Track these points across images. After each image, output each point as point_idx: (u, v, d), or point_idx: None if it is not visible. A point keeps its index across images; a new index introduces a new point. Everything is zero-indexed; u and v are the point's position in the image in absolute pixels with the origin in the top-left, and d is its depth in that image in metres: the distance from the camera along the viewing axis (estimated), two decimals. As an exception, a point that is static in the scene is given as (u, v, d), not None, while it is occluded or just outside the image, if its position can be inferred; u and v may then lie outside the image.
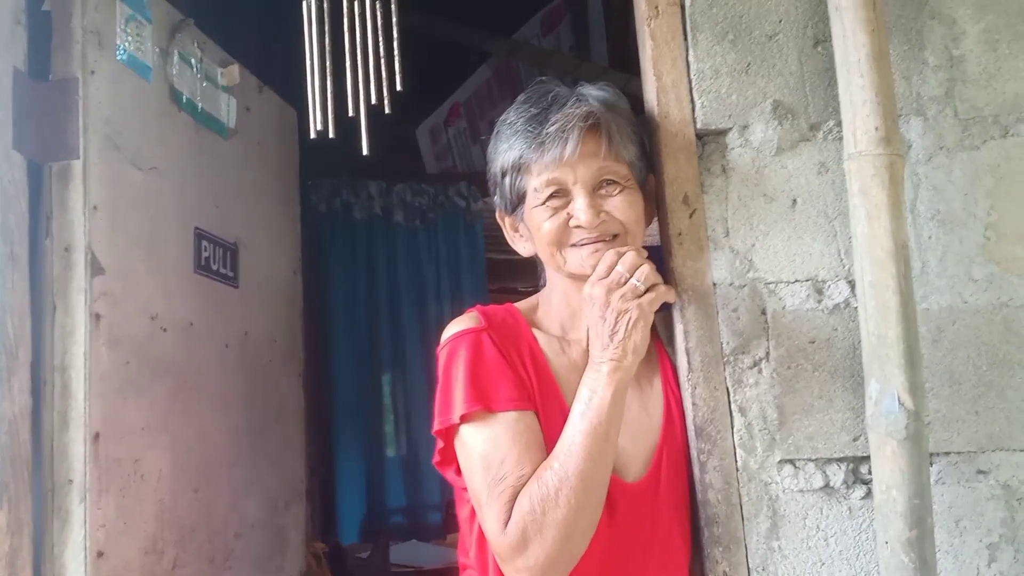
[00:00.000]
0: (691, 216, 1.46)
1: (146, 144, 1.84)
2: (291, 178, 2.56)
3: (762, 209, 1.45)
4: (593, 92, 1.43)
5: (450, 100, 4.44)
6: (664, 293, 1.35)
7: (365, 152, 1.62)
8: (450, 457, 1.41)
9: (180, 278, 1.93)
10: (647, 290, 1.32)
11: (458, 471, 1.40)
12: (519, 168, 1.42)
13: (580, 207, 1.38)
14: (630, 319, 1.30)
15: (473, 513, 1.40)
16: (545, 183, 1.39)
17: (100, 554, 1.57)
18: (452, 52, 4.26)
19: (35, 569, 1.52)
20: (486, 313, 1.45)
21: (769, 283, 1.43)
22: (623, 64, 3.64)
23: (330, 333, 3.69)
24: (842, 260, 1.43)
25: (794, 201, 1.45)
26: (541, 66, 4.14)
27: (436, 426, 1.37)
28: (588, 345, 1.36)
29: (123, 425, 1.68)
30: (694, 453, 1.41)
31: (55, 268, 1.62)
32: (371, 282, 3.82)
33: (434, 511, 3.70)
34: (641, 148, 1.46)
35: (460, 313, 1.48)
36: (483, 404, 1.32)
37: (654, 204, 1.50)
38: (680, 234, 1.45)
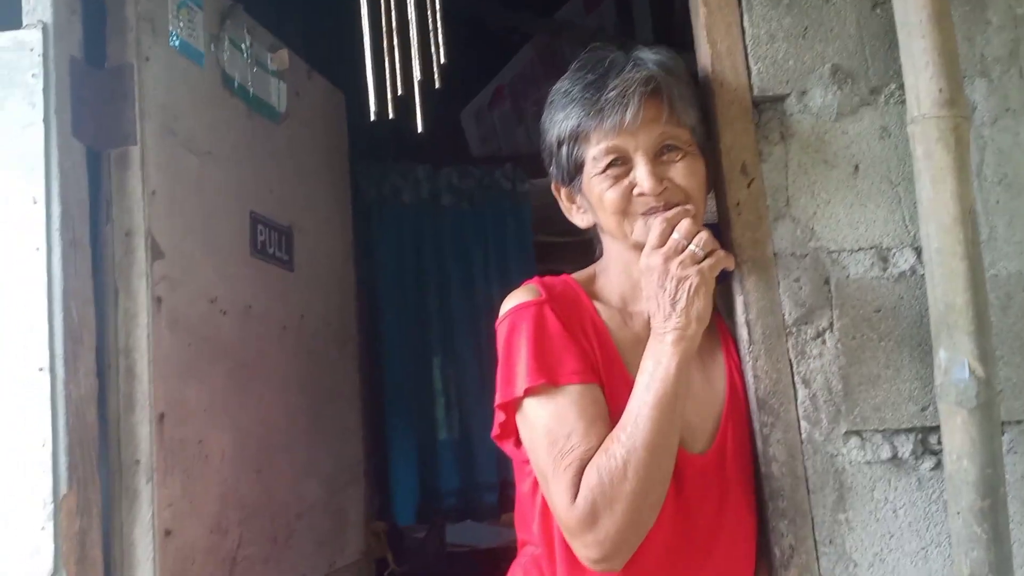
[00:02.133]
0: (749, 185, 1.43)
1: (200, 129, 1.86)
2: (341, 162, 2.57)
3: (823, 176, 1.42)
4: (651, 56, 1.40)
5: (494, 83, 4.42)
6: (724, 258, 1.31)
7: (420, 130, 1.61)
8: (509, 430, 1.39)
9: (237, 262, 1.95)
10: (706, 256, 1.29)
11: (517, 443, 1.39)
12: (576, 137, 1.39)
13: (642, 175, 1.34)
14: (691, 285, 1.27)
15: (535, 487, 1.39)
16: (605, 151, 1.36)
17: (168, 533, 1.60)
18: (495, 34, 4.24)
19: (104, 548, 1.55)
20: (545, 284, 1.42)
21: (832, 252, 1.40)
22: (668, 41, 3.60)
23: (380, 317, 3.70)
24: (907, 226, 1.40)
25: (856, 167, 1.42)
26: (584, 45, 4.10)
27: (498, 400, 1.35)
28: (650, 317, 1.34)
29: (186, 406, 1.71)
30: (756, 426, 1.39)
31: (116, 253, 1.64)
32: (420, 266, 3.82)
33: (488, 491, 3.69)
34: (701, 113, 1.42)
35: (508, 294, 1.46)
36: (547, 377, 1.30)
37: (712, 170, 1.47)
38: (739, 204, 1.43)
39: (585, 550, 1.23)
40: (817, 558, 1.33)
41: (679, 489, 1.32)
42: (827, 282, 1.39)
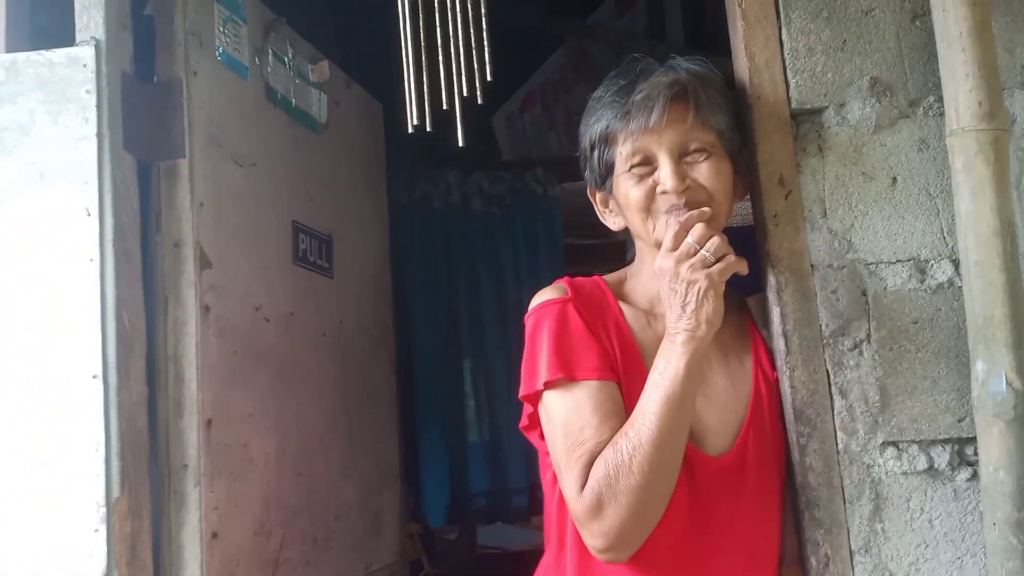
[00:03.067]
0: (787, 197, 1.45)
1: (245, 141, 1.90)
2: (378, 170, 2.62)
3: (860, 188, 1.44)
4: (683, 63, 1.44)
5: (525, 87, 4.45)
6: (734, 263, 1.32)
7: (461, 143, 1.65)
8: (536, 421, 1.45)
9: (280, 270, 1.99)
10: (717, 260, 1.30)
11: (541, 435, 1.44)
12: (607, 139, 1.44)
13: (665, 173, 1.38)
14: (700, 289, 1.29)
15: (554, 478, 1.43)
16: (631, 151, 1.41)
17: (215, 535, 1.65)
18: (525, 38, 4.26)
19: (155, 550, 1.60)
20: (573, 284, 1.48)
21: (869, 264, 1.42)
22: (700, 45, 3.61)
23: (411, 321, 3.74)
24: (945, 239, 1.41)
25: (894, 179, 1.43)
26: (615, 48, 4.12)
27: (521, 392, 1.42)
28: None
29: (232, 412, 1.75)
30: (793, 436, 1.41)
31: (166, 263, 1.69)
32: (451, 270, 3.85)
33: (518, 494, 3.71)
34: (733, 119, 1.45)
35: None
36: (566, 372, 1.35)
37: (746, 179, 1.49)
38: (776, 215, 1.45)
39: (591, 539, 1.28)
40: (852, 567, 1.34)
41: (693, 489, 1.35)
42: (864, 293, 1.41)
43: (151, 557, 1.58)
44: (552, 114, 4.45)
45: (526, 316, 1.48)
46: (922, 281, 1.40)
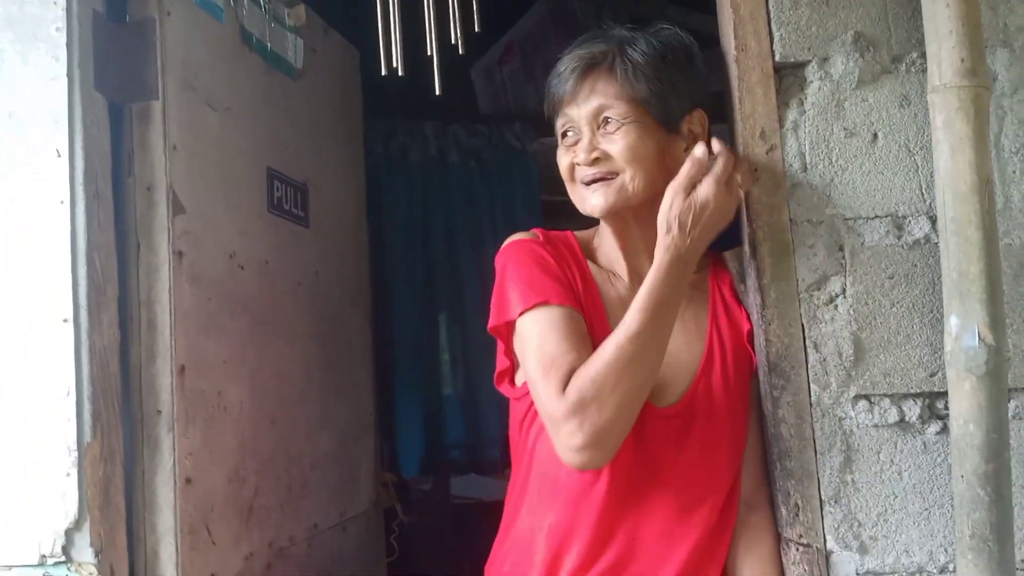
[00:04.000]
0: (768, 152, 1.45)
1: (220, 85, 1.86)
2: (355, 119, 2.58)
3: (841, 144, 1.44)
4: (617, 32, 1.46)
5: (504, 39, 4.39)
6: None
7: (438, 92, 1.63)
8: (507, 372, 1.50)
9: (255, 217, 1.97)
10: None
11: (512, 382, 1.50)
12: (551, 109, 1.50)
13: (580, 145, 1.43)
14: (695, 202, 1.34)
15: (522, 427, 1.49)
16: (561, 122, 1.47)
17: (188, 481, 1.64)
18: (506, -13, 4.19)
19: (127, 495, 1.59)
20: (545, 233, 1.53)
21: (848, 219, 1.42)
22: (684, 2, 3.57)
23: (388, 274, 3.73)
24: (923, 195, 1.42)
25: (875, 135, 1.44)
26: (597, 4, 4.07)
27: (492, 321, 1.46)
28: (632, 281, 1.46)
29: (206, 359, 1.74)
30: (766, 388, 1.43)
31: (138, 207, 1.66)
32: (427, 223, 3.84)
33: (492, 446, 3.73)
34: (672, 85, 1.44)
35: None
36: (542, 297, 1.38)
37: (693, 141, 1.46)
38: (756, 170, 1.45)
39: (569, 438, 1.29)
40: (822, 517, 1.37)
41: (639, 439, 1.38)
42: (841, 248, 1.42)
43: (124, 502, 1.57)
44: (532, 68, 4.39)
45: (497, 255, 1.51)
46: (899, 237, 1.41)
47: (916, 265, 1.40)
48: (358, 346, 2.44)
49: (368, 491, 2.41)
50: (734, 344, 1.49)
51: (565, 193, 1.53)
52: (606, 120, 1.41)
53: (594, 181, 1.42)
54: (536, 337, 1.37)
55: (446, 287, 3.80)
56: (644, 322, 1.32)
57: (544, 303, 1.39)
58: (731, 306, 1.52)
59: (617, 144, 1.40)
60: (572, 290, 1.43)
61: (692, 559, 1.41)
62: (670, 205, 1.34)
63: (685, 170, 1.35)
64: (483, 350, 3.66)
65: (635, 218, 1.47)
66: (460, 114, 3.96)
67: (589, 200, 1.43)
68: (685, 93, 1.46)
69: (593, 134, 1.42)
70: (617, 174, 1.41)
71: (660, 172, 1.42)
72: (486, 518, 3.24)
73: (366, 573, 2.33)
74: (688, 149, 1.42)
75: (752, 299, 1.47)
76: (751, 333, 1.48)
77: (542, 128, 3.85)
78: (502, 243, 1.50)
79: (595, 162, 1.41)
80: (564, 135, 1.47)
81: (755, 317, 1.46)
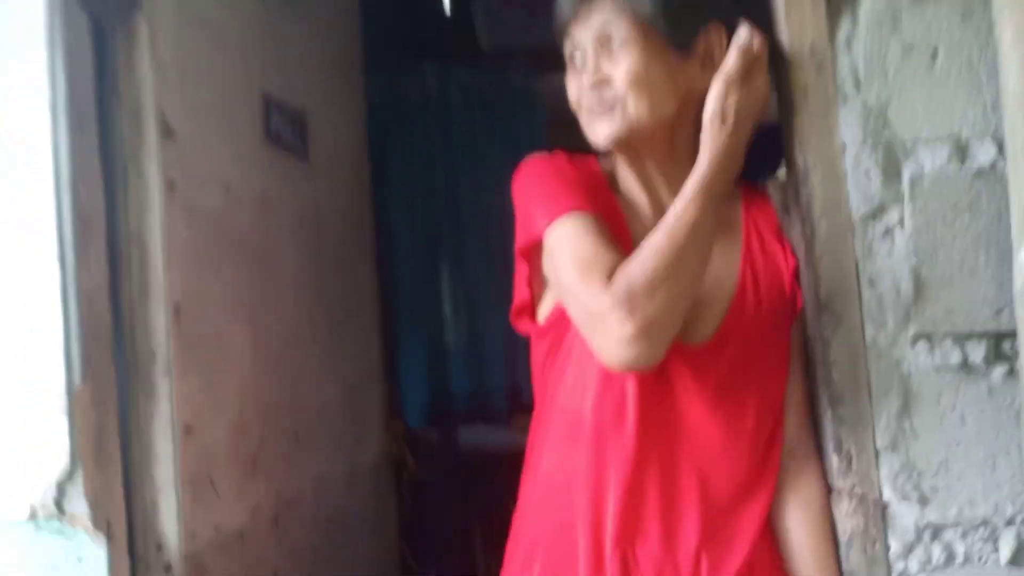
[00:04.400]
0: (818, 69, 1.32)
1: (210, 4, 1.71)
2: (354, 49, 2.43)
3: (898, 60, 1.31)
4: None
5: (505, -34, 4.20)
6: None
7: (448, 14, 1.49)
8: (527, 302, 1.40)
9: (251, 147, 1.83)
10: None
11: (533, 316, 1.39)
12: (558, 33, 1.36)
13: (584, 69, 1.31)
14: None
15: (544, 365, 1.39)
16: (569, 45, 1.34)
17: (188, 429, 1.53)
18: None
19: (123, 444, 1.47)
20: (567, 153, 1.40)
21: (906, 142, 1.29)
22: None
23: (389, 218, 3.61)
24: (989, 117, 1.29)
25: (935, 51, 1.30)
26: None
27: (520, 243, 1.34)
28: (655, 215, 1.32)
29: (204, 298, 1.61)
30: (815, 329, 1.32)
31: (125, 131, 1.52)
32: (428, 166, 3.71)
33: (498, 394, 3.68)
34: (682, 3, 1.30)
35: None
36: (571, 206, 1.27)
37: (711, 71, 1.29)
38: (805, 89, 1.32)
39: (619, 327, 1.16)
40: (877, 466, 1.26)
41: (664, 378, 1.28)
42: (899, 175, 1.29)
43: (119, 451, 1.46)
44: (534, 2, 4.22)
45: (516, 175, 1.39)
46: (963, 162, 1.29)
47: (981, 193, 1.28)
48: (363, 289, 2.32)
49: (377, 441, 2.31)
50: (770, 281, 1.37)
51: (571, 135, 1.41)
52: (609, 40, 1.28)
53: (600, 109, 1.30)
54: (569, 243, 1.26)
55: (449, 232, 3.68)
56: (696, 212, 1.20)
57: (575, 211, 1.27)
58: (768, 240, 1.41)
59: (620, 67, 1.27)
60: (596, 202, 1.32)
61: (731, 506, 1.31)
62: (724, 95, 1.21)
63: (735, 59, 1.22)
64: (488, 296, 3.60)
65: (650, 151, 1.34)
66: (462, 53, 3.81)
67: (594, 130, 1.32)
68: (698, 6, 1.32)
69: (597, 57, 1.29)
70: (621, 100, 1.28)
71: (671, 98, 1.29)
72: (496, 468, 3.20)
73: (376, 525, 2.24)
74: (705, 69, 1.29)
75: (799, 232, 1.35)
76: (796, 270, 1.36)
77: (550, 63, 3.70)
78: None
79: (598, 85, 1.29)
80: (571, 59, 1.34)
81: (802, 252, 1.34)
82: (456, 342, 3.72)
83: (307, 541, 1.89)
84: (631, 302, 1.16)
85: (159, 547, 1.48)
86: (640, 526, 1.31)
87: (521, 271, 1.41)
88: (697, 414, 1.31)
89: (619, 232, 1.32)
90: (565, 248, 1.26)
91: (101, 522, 1.38)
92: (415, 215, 3.66)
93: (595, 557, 1.31)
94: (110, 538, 1.37)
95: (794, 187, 1.35)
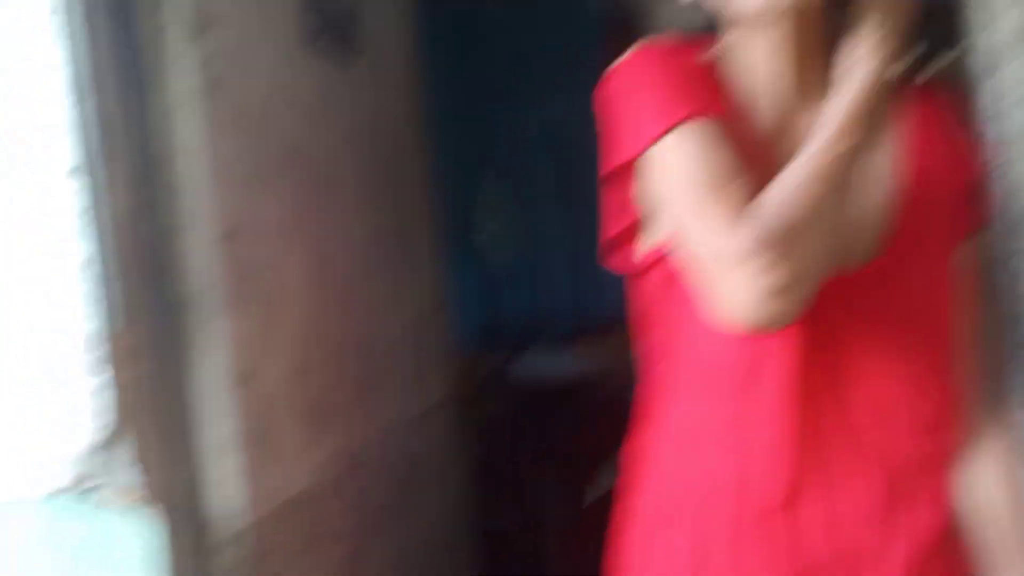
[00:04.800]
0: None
1: None
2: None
3: None
4: None
5: None
6: None
7: None
8: (626, 230, 1.12)
9: (297, 44, 1.54)
10: None
11: (630, 250, 1.12)
12: None
13: None
14: None
15: (658, 305, 1.14)
16: None
17: (246, 377, 1.29)
18: None
19: (174, 395, 1.24)
20: (667, 45, 1.09)
21: None
22: None
23: (436, 125, 3.36)
24: None
25: None
26: None
27: (616, 159, 1.05)
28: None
29: (258, 222, 1.36)
30: (1002, 254, 1.05)
31: (158, 19, 1.24)
32: (480, 71, 3.43)
33: (559, 316, 3.47)
34: None
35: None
36: (686, 111, 0.98)
37: None
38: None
39: (755, 279, 0.91)
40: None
41: (813, 313, 0.98)
42: None
43: (170, 407, 1.23)
44: None
45: (607, 79, 1.08)
46: None
47: None
48: (423, 206, 2.05)
49: (445, 378, 2.07)
50: (936, 192, 1.09)
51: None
52: None
53: None
54: (687, 160, 0.98)
55: (503, 141, 3.44)
56: (851, 142, 0.96)
57: (692, 117, 0.98)
58: (934, 142, 1.12)
59: None
60: (713, 105, 1.03)
61: (906, 464, 1.07)
62: None
63: None
64: (547, 212, 3.36)
65: (813, 29, 1.04)
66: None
67: None
68: None
69: None
70: None
71: None
72: (565, 399, 3.01)
73: (449, 472, 2.02)
74: None
75: (982, 135, 1.06)
76: (972, 179, 1.08)
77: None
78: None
79: None
80: None
81: (983, 160, 1.06)
82: (512, 261, 3.50)
83: (376, 498, 1.67)
84: (773, 248, 0.90)
85: (222, 519, 1.26)
86: (799, 489, 1.06)
87: (615, 197, 1.13)
88: (856, 356, 1.06)
89: (740, 148, 1.03)
90: (680, 166, 0.99)
91: (155, 489, 1.16)
92: (465, 122, 3.38)
93: (747, 524, 1.07)
94: (166, 512, 1.15)
95: (975, 74, 1.06)
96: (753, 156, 1.02)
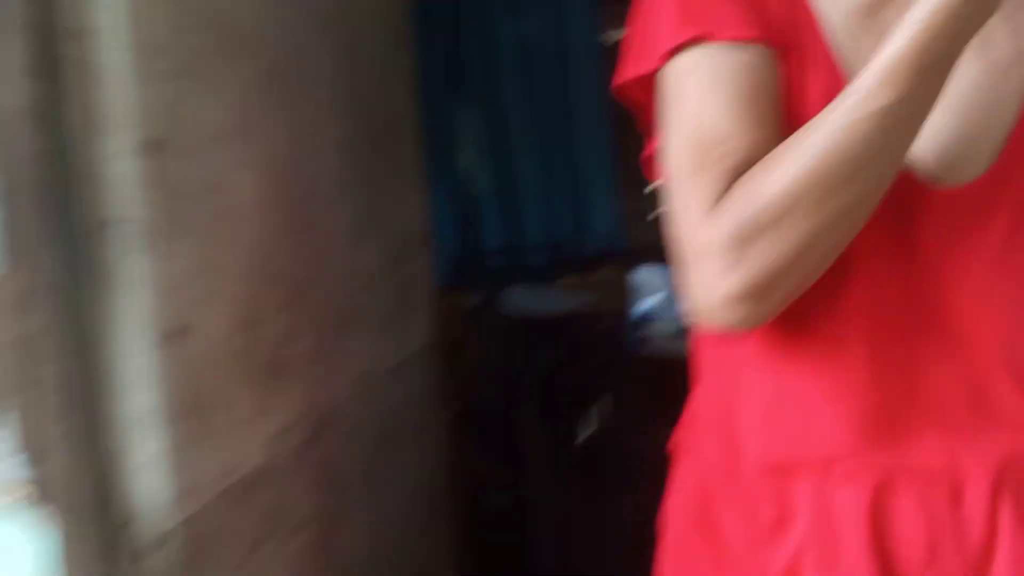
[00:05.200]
0: None
1: None
2: None
3: None
4: None
5: None
6: None
7: None
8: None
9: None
10: None
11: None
12: None
13: None
14: None
15: None
16: None
17: (178, 332, 1.00)
18: None
19: (75, 355, 0.94)
20: None
21: None
22: None
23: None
24: None
25: None
26: None
27: (626, 73, 0.90)
28: None
29: (194, 130, 1.04)
30: None
31: None
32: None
33: (537, 252, 3.23)
34: None
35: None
36: (700, 28, 0.82)
37: None
38: None
39: (721, 279, 0.78)
40: None
41: (910, 237, 0.84)
42: None
43: (69, 372, 0.93)
44: None
45: None
46: None
47: None
48: (405, 118, 1.74)
49: (427, 320, 1.78)
50: None
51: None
52: None
53: None
54: (687, 101, 0.83)
55: (477, 61, 3.14)
56: (893, 96, 0.72)
57: (705, 38, 0.82)
58: None
59: None
60: (762, 14, 0.84)
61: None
62: None
63: None
64: (523, 139, 3.11)
65: None
66: None
67: None
68: None
69: None
70: None
71: None
72: (544, 335, 2.79)
73: (428, 432, 1.75)
74: None
75: None
76: None
77: None
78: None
79: None
80: None
81: None
82: (488, 190, 3.23)
83: (345, 471, 1.39)
84: (745, 246, 0.76)
85: (143, 517, 0.97)
86: (897, 433, 0.86)
87: (640, 109, 0.94)
88: (966, 289, 0.85)
89: (806, 40, 0.85)
90: (679, 104, 0.84)
91: (48, 488, 0.87)
92: (436, 39, 3.07)
93: (836, 478, 0.86)
94: (65, 512, 0.87)
95: None
96: (850, 43, 0.82)
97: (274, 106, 1.24)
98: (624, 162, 3.64)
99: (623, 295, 3.18)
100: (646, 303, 3.78)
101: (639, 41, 0.88)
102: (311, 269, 1.31)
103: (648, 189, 4.61)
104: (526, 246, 3.29)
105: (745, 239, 0.75)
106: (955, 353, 0.84)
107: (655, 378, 3.17)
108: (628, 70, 0.89)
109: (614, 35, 3.92)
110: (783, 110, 0.82)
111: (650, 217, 4.60)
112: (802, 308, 0.83)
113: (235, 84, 1.14)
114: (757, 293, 0.77)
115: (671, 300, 3.95)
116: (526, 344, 2.69)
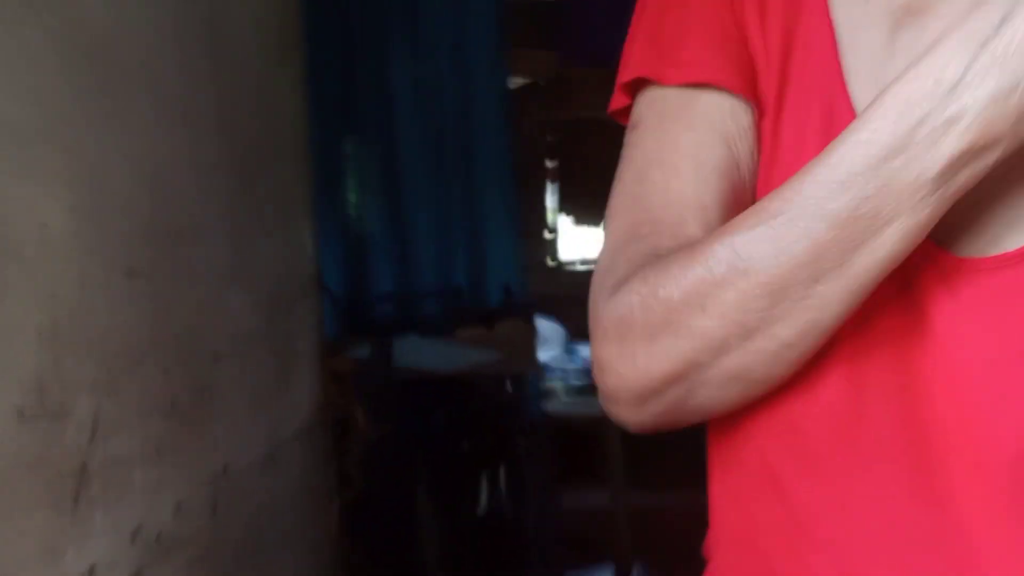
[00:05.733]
0: None
1: None
2: None
3: None
4: None
5: None
6: None
7: None
8: None
9: None
10: None
11: None
12: None
13: None
14: None
15: None
16: None
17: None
18: None
19: None
20: None
21: None
22: None
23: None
24: None
25: None
26: None
27: (612, 105, 0.79)
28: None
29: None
30: None
31: None
32: (349, 31, 2.98)
33: (431, 300, 3.03)
34: None
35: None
36: (652, 68, 0.73)
37: None
38: None
39: (597, 367, 0.68)
40: None
41: (922, 318, 0.67)
42: None
43: None
44: None
45: None
46: None
47: None
48: (291, 140, 1.40)
49: (311, 390, 1.42)
50: None
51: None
52: None
53: None
54: (628, 158, 0.74)
55: (371, 96, 3.03)
56: (852, 201, 0.58)
57: (655, 79, 0.72)
58: None
59: None
60: (727, 38, 0.72)
61: None
62: None
63: None
64: (418, 179, 3.01)
65: None
66: None
67: None
68: None
69: None
70: None
71: None
72: (439, 391, 2.53)
73: (304, 534, 1.38)
74: None
75: None
76: None
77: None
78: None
79: None
80: None
81: None
82: (375, 233, 3.02)
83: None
84: (622, 343, 0.65)
85: None
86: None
87: None
88: (990, 381, 0.66)
89: (816, 70, 0.71)
90: (626, 158, 0.74)
91: None
92: (328, 64, 2.83)
93: None
94: None
95: None
96: (869, 75, 0.68)
97: (103, 113, 0.88)
98: (528, 209, 3.48)
99: (527, 350, 2.93)
100: (547, 355, 3.56)
101: (620, 66, 0.77)
102: (147, 329, 0.94)
103: (548, 238, 4.46)
104: (419, 293, 3.04)
105: (628, 333, 0.64)
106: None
107: (558, 439, 2.95)
108: (614, 100, 0.78)
109: (518, 80, 3.83)
110: (749, 167, 0.70)
111: (551, 266, 4.42)
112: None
113: (52, 84, 0.78)
114: (623, 399, 0.67)
115: (572, 352, 3.76)
116: (421, 409, 2.40)
